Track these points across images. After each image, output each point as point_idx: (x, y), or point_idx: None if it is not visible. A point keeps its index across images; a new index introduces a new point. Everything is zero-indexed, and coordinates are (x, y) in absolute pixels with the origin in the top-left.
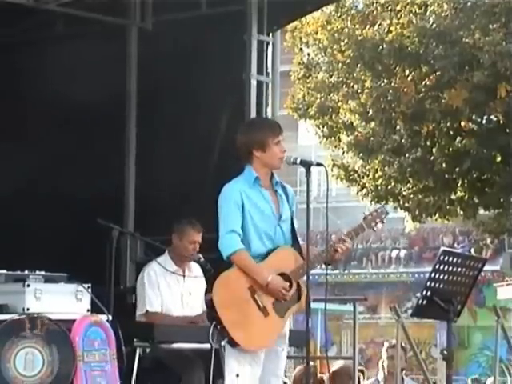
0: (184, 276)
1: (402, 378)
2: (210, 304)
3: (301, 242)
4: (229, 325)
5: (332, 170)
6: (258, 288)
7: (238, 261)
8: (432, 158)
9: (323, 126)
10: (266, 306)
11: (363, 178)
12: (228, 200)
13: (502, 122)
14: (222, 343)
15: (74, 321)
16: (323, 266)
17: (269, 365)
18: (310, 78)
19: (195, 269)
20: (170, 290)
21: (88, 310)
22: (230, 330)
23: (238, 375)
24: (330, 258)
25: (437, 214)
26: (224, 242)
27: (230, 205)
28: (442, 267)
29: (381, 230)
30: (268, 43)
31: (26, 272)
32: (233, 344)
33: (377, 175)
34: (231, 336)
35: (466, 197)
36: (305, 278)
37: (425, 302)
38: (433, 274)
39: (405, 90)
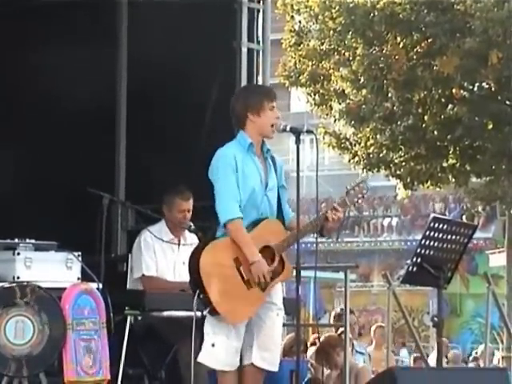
0: (179, 245)
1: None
2: (195, 271)
3: (292, 214)
4: (212, 294)
5: (324, 138)
6: (244, 260)
7: (232, 229)
8: (424, 125)
9: (315, 94)
10: (250, 278)
11: (355, 145)
12: (224, 163)
13: (493, 89)
14: (205, 312)
15: (64, 289)
16: (314, 235)
17: (262, 337)
18: (302, 45)
19: (190, 237)
20: (165, 257)
21: (78, 279)
22: (213, 300)
23: (213, 345)
24: (321, 227)
25: (428, 182)
26: (224, 207)
27: (226, 169)
28: (432, 234)
29: (373, 198)
30: (259, 10)
31: (16, 240)
32: (214, 314)
33: (368, 143)
34: (214, 306)
35: (458, 164)
36: (290, 249)
37: (415, 268)
38: (423, 241)
39: (396, 57)
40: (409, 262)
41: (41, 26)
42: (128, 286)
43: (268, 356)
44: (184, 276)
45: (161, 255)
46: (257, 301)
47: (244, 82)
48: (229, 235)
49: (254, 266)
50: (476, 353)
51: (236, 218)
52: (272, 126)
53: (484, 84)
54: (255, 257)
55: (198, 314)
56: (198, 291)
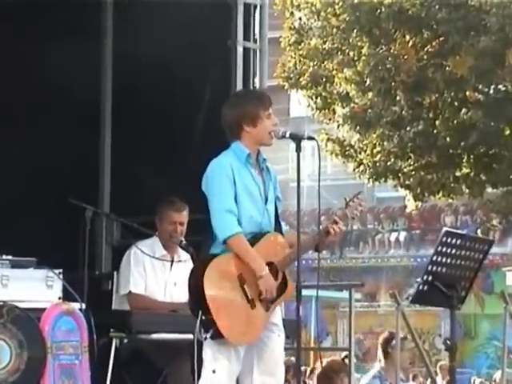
0: (172, 262)
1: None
2: (197, 290)
3: (285, 228)
4: (217, 316)
5: (326, 145)
6: (249, 277)
7: (234, 245)
8: (435, 131)
9: (316, 97)
10: (254, 297)
11: (360, 153)
12: (220, 175)
13: (510, 91)
14: (207, 335)
15: (43, 309)
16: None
17: (264, 361)
18: (302, 44)
19: (185, 254)
20: (155, 275)
21: (59, 298)
22: (217, 322)
23: (214, 371)
24: (321, 241)
25: (440, 193)
26: (220, 223)
27: (222, 180)
28: (444, 250)
29: (377, 210)
30: (256, 6)
31: None
32: (217, 336)
33: (375, 150)
34: (218, 328)
35: (472, 173)
36: (292, 266)
37: (426, 287)
38: (434, 257)
39: (405, 57)
40: (419, 280)
41: (23, 24)
42: (113, 306)
43: (271, 381)
44: (175, 298)
45: (151, 272)
46: (261, 321)
47: (239, 84)
48: (230, 251)
49: (262, 280)
50: (494, 381)
51: (236, 233)
52: (270, 133)
53: (500, 86)
54: (263, 270)
55: (189, 336)
56: (200, 312)
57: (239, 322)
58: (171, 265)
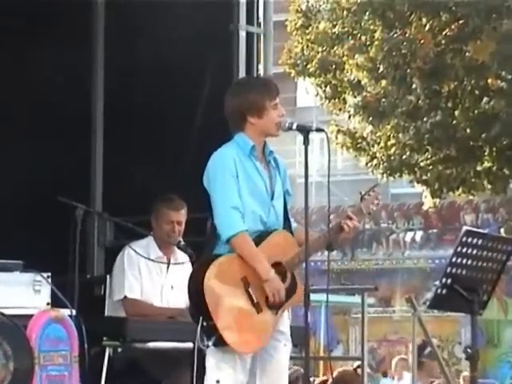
0: (168, 265)
1: None
2: (197, 294)
3: (294, 225)
4: (220, 321)
5: (336, 138)
6: (254, 279)
7: (238, 245)
8: (454, 122)
9: (325, 86)
10: (260, 301)
11: (373, 146)
12: (222, 168)
13: None
14: (209, 343)
15: (31, 316)
16: (325, 252)
17: (269, 372)
18: (310, 28)
19: (182, 256)
20: (151, 278)
21: (48, 304)
22: (220, 328)
23: (218, 381)
24: (334, 239)
25: (460, 189)
26: (224, 221)
27: (225, 174)
28: (464, 250)
29: (391, 208)
30: None
31: None
32: (221, 344)
33: (389, 143)
34: (221, 335)
35: (495, 167)
36: (300, 268)
37: (444, 291)
38: (454, 259)
39: (421, 41)
40: (437, 283)
41: (11, 25)
42: (106, 313)
43: None
44: (172, 302)
45: (146, 276)
46: (269, 327)
47: (242, 73)
48: (234, 251)
49: (268, 284)
50: None
51: (240, 231)
52: (277, 124)
53: None
54: (269, 273)
55: (188, 345)
56: (201, 318)
57: (244, 328)
58: (167, 267)
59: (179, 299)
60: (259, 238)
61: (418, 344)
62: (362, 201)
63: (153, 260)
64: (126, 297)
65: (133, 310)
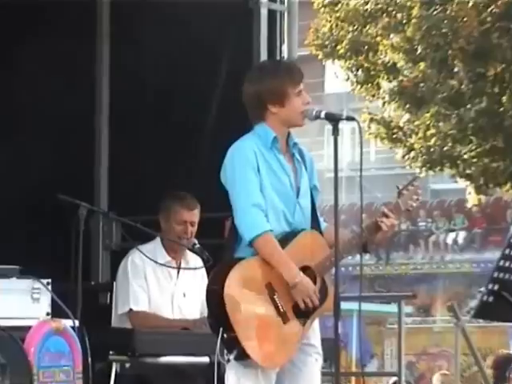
0: (179, 270)
1: None
2: (217, 303)
3: (324, 224)
4: (242, 333)
5: (369, 127)
6: (280, 285)
7: (262, 247)
8: (501, 109)
9: (357, 69)
10: (287, 309)
11: (410, 137)
12: (242, 162)
13: None
14: (230, 357)
15: (29, 327)
16: (357, 256)
17: None
18: (339, 5)
19: (194, 259)
20: (160, 286)
21: (48, 314)
22: (243, 340)
23: None
24: (369, 239)
25: (508, 184)
26: (246, 220)
27: (245, 169)
28: None
29: (430, 205)
30: None
31: None
32: (243, 357)
33: (429, 133)
34: (243, 347)
35: None
36: (331, 272)
37: (491, 298)
38: (501, 262)
39: (464, 19)
40: (482, 289)
41: (13, 25)
42: (113, 324)
43: None
44: (185, 311)
45: (154, 284)
46: (296, 339)
47: (264, 56)
48: (257, 254)
49: (297, 289)
50: None
51: (264, 231)
52: (301, 113)
53: None
54: (296, 277)
55: (204, 359)
56: (221, 329)
57: (269, 340)
58: (178, 272)
59: (193, 308)
60: (285, 239)
61: (499, 358)
62: (400, 196)
63: (163, 264)
64: (131, 310)
65: (140, 324)
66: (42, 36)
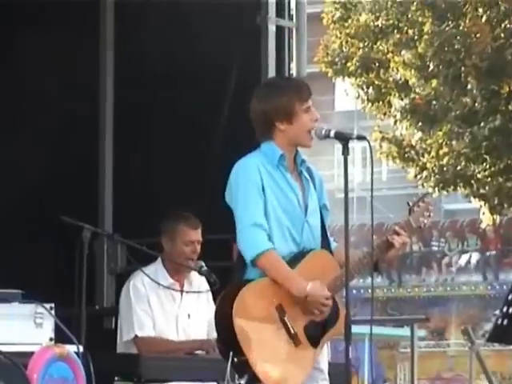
0: (182, 292)
1: None
2: (226, 326)
3: (334, 244)
4: (253, 356)
5: (381, 146)
6: (290, 307)
7: (266, 265)
8: None
9: (368, 87)
10: (298, 331)
11: (423, 156)
12: (245, 180)
13: None
14: (241, 381)
15: (32, 353)
16: (368, 278)
17: None
18: (349, 21)
19: (197, 281)
20: (163, 309)
21: (51, 339)
22: (253, 364)
23: None
24: (380, 258)
25: None
26: (246, 239)
27: (247, 187)
28: None
29: (442, 225)
30: None
31: None
32: (254, 381)
33: (441, 152)
34: (255, 372)
35: None
36: (342, 294)
37: (506, 321)
38: None
39: (477, 35)
40: (497, 312)
41: (16, 23)
42: (118, 349)
43: None
44: (190, 332)
45: (158, 307)
46: (308, 363)
47: (272, 73)
48: (262, 273)
49: (309, 299)
50: None
51: (265, 250)
52: (309, 131)
53: None
54: (305, 288)
55: None
56: (231, 353)
57: (281, 364)
58: (181, 294)
59: (198, 329)
60: (293, 260)
61: None
62: (411, 213)
63: (167, 287)
64: (136, 336)
65: (147, 350)
66: (44, 35)
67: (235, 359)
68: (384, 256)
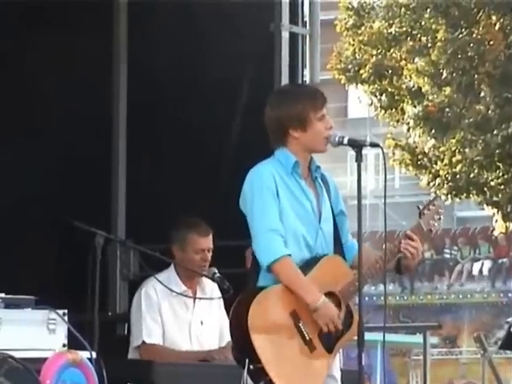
0: (195, 299)
1: None
2: (242, 334)
3: (351, 240)
4: (269, 363)
5: (393, 154)
6: (304, 313)
7: (280, 272)
8: None
9: (381, 94)
10: (313, 337)
11: (436, 163)
12: (260, 187)
13: None
14: None
15: (45, 359)
16: (381, 286)
17: None
18: (363, 28)
19: (210, 287)
20: (176, 317)
21: (64, 345)
22: (270, 370)
23: None
24: (397, 265)
25: None
26: (262, 245)
27: (262, 193)
28: None
29: (454, 233)
30: None
31: None
32: None
33: (454, 159)
34: (271, 379)
35: None
36: (355, 301)
37: None
38: None
39: (491, 42)
40: (510, 320)
41: (27, 26)
42: (130, 356)
43: None
44: (203, 340)
45: (170, 316)
46: (323, 369)
47: (285, 80)
48: (276, 280)
49: (319, 312)
50: None
51: (282, 256)
52: (324, 139)
53: None
54: (318, 300)
55: None
56: (247, 360)
57: (297, 370)
58: (194, 302)
59: (211, 336)
60: (307, 266)
61: None
62: (422, 216)
63: (180, 294)
64: (144, 342)
65: (150, 357)
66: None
67: (251, 366)
68: (400, 263)
